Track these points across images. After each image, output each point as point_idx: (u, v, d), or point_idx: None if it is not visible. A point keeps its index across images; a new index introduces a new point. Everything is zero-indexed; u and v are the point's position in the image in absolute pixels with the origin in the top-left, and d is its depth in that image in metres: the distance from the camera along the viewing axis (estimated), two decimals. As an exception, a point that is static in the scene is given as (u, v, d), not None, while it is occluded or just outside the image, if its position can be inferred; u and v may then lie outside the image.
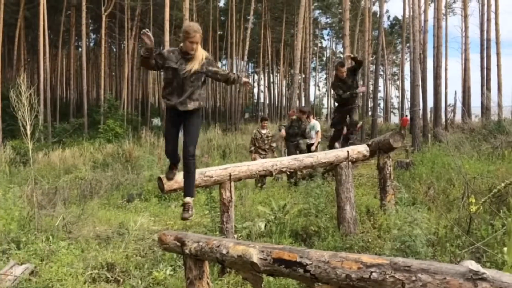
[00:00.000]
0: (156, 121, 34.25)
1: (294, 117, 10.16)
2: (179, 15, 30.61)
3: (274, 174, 5.04)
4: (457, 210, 4.83)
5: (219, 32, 41.33)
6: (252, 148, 9.74)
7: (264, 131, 9.75)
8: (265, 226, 5.34)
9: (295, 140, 9.60)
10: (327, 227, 5.19)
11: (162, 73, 4.28)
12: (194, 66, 4.02)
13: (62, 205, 6.94)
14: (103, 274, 4.34)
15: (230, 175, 4.61)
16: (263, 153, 9.57)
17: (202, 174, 4.49)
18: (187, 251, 3.06)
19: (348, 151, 5.39)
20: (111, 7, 28.25)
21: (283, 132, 9.97)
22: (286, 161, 5.10)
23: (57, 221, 5.79)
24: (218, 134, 21.85)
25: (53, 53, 38.53)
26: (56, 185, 8.78)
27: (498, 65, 27.56)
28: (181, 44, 4.09)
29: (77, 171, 12.01)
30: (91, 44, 43.42)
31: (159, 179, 4.37)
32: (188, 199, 4.20)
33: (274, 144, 9.97)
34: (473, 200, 2.33)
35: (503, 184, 2.11)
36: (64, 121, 27.54)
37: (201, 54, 4.06)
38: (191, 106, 4.09)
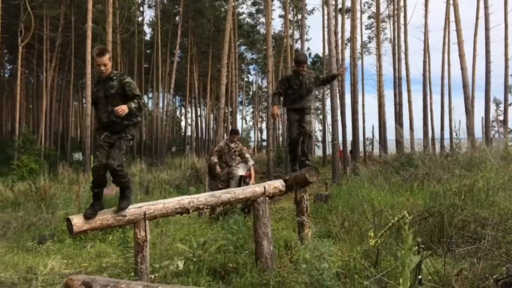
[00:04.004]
0: (77, 155, 32.75)
1: (290, 73, 6.75)
2: (102, 48, 29.96)
3: (191, 211, 5.00)
4: (367, 241, 5.07)
5: (145, 65, 40.97)
6: (216, 160, 9.19)
7: (232, 145, 9.19)
8: (184, 264, 5.24)
9: (297, 104, 6.45)
10: (245, 263, 5.19)
11: None
12: None
13: (-38, 251, 6.36)
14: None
15: (145, 214, 4.51)
16: (226, 166, 9.12)
17: (114, 213, 4.36)
18: (92, 297, 2.93)
19: (265, 187, 5.50)
20: (28, 38, 27.06)
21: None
22: (203, 198, 5.09)
23: (-47, 270, 5.29)
24: (142, 169, 21.31)
25: (-38, 84, 35.97)
26: (-44, 228, 8.04)
27: (409, 101, 29.87)
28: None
29: (-17, 211, 11.07)
30: (6, 75, 41.03)
31: (68, 220, 4.16)
32: None
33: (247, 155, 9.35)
34: (372, 234, 2.49)
35: (396, 218, 2.27)
36: (-29, 157, 25.47)
37: None
38: None
